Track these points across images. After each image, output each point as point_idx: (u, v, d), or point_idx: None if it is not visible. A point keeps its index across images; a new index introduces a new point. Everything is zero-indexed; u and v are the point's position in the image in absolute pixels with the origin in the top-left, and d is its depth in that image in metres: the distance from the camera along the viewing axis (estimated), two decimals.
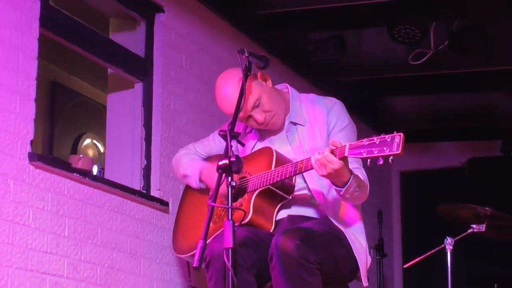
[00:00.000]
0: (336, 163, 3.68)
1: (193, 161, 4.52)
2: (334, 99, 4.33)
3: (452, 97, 7.98)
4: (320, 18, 6.15)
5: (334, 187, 3.87)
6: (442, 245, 5.31)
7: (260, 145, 4.30)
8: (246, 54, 3.93)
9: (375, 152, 3.55)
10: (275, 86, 4.34)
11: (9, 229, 4.13)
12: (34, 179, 4.31)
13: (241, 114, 4.02)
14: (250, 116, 4.15)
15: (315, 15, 6.08)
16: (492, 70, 7.09)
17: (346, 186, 3.83)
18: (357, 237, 4.19)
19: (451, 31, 6.22)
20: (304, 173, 4.03)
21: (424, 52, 6.38)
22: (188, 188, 4.65)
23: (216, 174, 3.91)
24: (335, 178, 3.77)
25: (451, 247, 5.29)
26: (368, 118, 8.14)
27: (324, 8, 5.96)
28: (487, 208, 5.48)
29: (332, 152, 3.69)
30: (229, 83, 4.14)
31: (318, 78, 7.26)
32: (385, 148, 3.53)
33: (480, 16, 6.13)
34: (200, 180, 4.45)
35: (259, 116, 4.13)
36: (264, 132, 4.32)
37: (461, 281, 5.66)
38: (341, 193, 3.87)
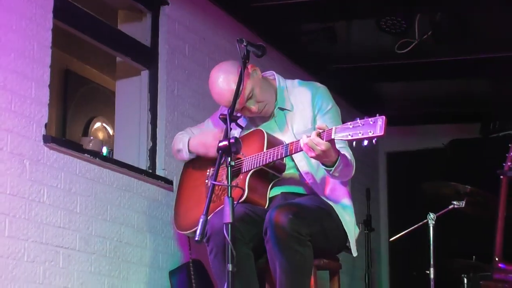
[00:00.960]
0: (323, 145, 3.67)
1: (183, 137, 4.50)
2: (318, 84, 4.32)
3: (435, 83, 7.97)
4: (313, 10, 6.13)
5: (324, 167, 3.86)
6: (425, 220, 5.31)
7: (247, 130, 4.29)
8: (245, 44, 3.90)
9: (360, 135, 3.52)
10: (262, 74, 4.32)
11: (26, 206, 4.15)
12: (48, 159, 4.33)
13: (236, 106, 3.97)
14: (244, 107, 4.14)
15: (308, 7, 6.07)
16: (472, 58, 7.09)
17: (335, 165, 3.82)
18: (346, 212, 4.20)
19: (434, 22, 6.21)
20: (293, 155, 4.03)
21: (409, 42, 6.37)
22: (185, 169, 4.63)
23: (205, 139, 4.11)
24: (323, 159, 3.76)
25: (434, 222, 5.30)
26: (358, 103, 8.15)
27: (316, 1, 5.95)
28: (466, 186, 5.49)
29: (319, 135, 3.67)
30: (222, 79, 4.11)
31: (311, 66, 7.26)
32: (369, 131, 3.50)
33: (461, 9, 6.13)
34: (189, 151, 4.43)
35: (253, 106, 4.12)
36: (254, 117, 4.32)
37: (442, 253, 5.66)
38: (330, 172, 3.87)
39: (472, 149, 8.28)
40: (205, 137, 4.38)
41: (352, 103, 8.04)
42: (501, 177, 5.06)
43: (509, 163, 5.05)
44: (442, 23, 6.20)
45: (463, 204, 5.40)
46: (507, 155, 5.09)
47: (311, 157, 3.76)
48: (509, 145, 5.11)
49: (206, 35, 5.84)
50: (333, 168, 3.84)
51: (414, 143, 8.80)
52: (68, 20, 4.64)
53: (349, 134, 3.57)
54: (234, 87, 3.95)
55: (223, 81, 4.09)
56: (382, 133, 3.48)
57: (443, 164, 8.38)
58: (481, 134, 8.48)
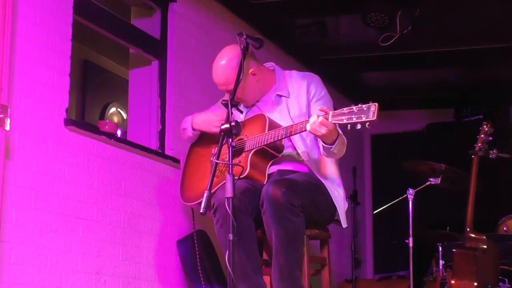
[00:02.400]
0: (330, 125, 3.68)
1: (188, 117, 4.52)
2: (312, 74, 4.34)
3: (414, 72, 7.96)
4: (305, 7, 6.13)
5: (325, 145, 3.87)
6: (405, 195, 5.33)
7: (251, 114, 4.30)
8: (244, 37, 3.92)
9: (354, 119, 3.55)
10: (264, 64, 4.33)
11: (49, 182, 4.16)
12: (69, 140, 4.33)
13: (221, 88, 4.14)
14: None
15: (301, 4, 6.07)
16: (447, 50, 7.07)
17: (336, 143, 3.84)
18: (336, 188, 4.21)
19: (414, 18, 6.21)
20: (292, 136, 4.05)
21: (391, 35, 6.36)
22: (191, 147, 4.64)
23: (206, 118, 4.17)
24: (327, 137, 3.77)
25: (412, 197, 5.32)
26: (345, 90, 8.14)
27: None
28: (442, 165, 5.49)
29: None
30: (224, 59, 4.18)
31: (304, 57, 7.24)
32: (363, 116, 3.52)
33: (437, 6, 6.13)
34: (193, 129, 4.44)
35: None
36: (255, 103, 4.33)
37: (420, 224, 5.68)
38: (331, 149, 3.88)
39: (446, 132, 8.29)
40: (207, 115, 4.40)
41: (341, 90, 8.03)
42: (472, 156, 5.08)
43: (479, 144, 5.07)
44: (421, 19, 6.21)
45: (439, 181, 5.40)
46: (477, 137, 5.11)
47: (318, 135, 3.76)
48: (479, 128, 5.13)
49: (210, 29, 5.83)
50: (334, 146, 3.86)
51: (395, 126, 8.79)
52: (86, 15, 4.64)
53: (344, 118, 3.59)
54: (227, 66, 4.09)
55: (224, 60, 4.19)
56: (374, 118, 3.51)
57: (421, 145, 8.39)
58: (454, 118, 8.48)
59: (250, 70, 4.18)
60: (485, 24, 6.56)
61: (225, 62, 4.15)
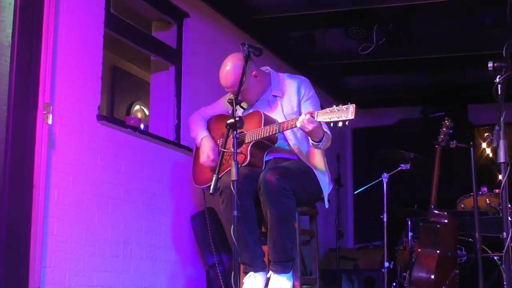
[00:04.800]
0: (316, 122, 3.68)
1: (199, 129, 4.44)
2: (302, 77, 4.31)
3: (388, 76, 7.95)
4: (297, 22, 6.13)
5: (314, 143, 3.86)
6: (380, 178, 5.34)
7: (250, 111, 4.27)
8: (246, 46, 3.88)
9: (336, 118, 3.54)
10: (261, 68, 4.30)
11: (84, 167, 4.18)
12: (100, 133, 4.34)
13: (231, 90, 4.09)
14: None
15: (294, 20, 6.07)
16: (415, 58, 7.07)
17: (322, 141, 3.84)
18: (322, 173, 4.20)
19: (387, 31, 6.21)
20: (285, 131, 4.04)
21: (369, 46, 6.36)
22: None
23: (208, 145, 4.18)
24: (314, 132, 3.76)
25: (386, 180, 5.33)
26: (331, 91, 8.12)
27: (300, 14, 5.97)
28: (411, 153, 5.49)
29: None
30: (228, 65, 4.14)
31: (296, 63, 7.23)
32: (343, 115, 3.52)
33: (406, 22, 6.13)
34: (197, 146, 4.43)
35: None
36: (253, 102, 4.30)
37: (393, 203, 5.67)
38: (319, 146, 3.88)
39: (414, 126, 8.28)
40: (206, 149, 4.32)
41: (327, 91, 8.02)
42: (436, 146, 5.07)
43: (441, 136, 5.06)
44: (393, 32, 6.20)
45: (408, 166, 5.41)
46: (440, 130, 5.11)
47: (306, 131, 3.75)
48: (442, 123, 5.13)
49: (218, 40, 5.83)
50: (320, 143, 3.86)
51: (372, 121, 8.78)
52: (115, 29, 4.64)
53: (328, 117, 3.58)
54: (232, 72, 4.04)
55: (229, 66, 4.14)
56: (353, 117, 3.51)
57: (394, 137, 8.39)
58: (421, 115, 8.49)
59: (253, 73, 4.17)
60: (447, 37, 6.58)
61: (229, 68, 4.12)
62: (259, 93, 4.25)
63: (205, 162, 4.28)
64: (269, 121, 4.06)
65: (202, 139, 4.37)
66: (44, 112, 3.76)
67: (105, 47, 4.45)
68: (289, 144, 4.18)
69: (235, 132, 3.59)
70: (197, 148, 4.57)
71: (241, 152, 3.98)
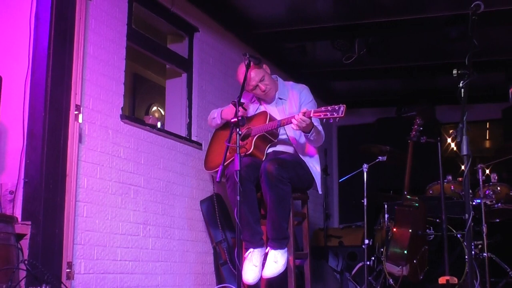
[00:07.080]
0: (307, 120, 3.75)
1: (214, 110, 4.55)
2: (304, 85, 4.37)
3: (368, 82, 7.94)
4: (292, 35, 6.12)
5: (304, 133, 3.91)
6: (361, 169, 5.34)
7: (260, 109, 4.33)
8: (248, 56, 3.93)
9: (328, 115, 3.61)
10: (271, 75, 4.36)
11: (110, 159, 4.16)
12: (123, 129, 4.33)
13: (252, 83, 4.11)
14: (257, 86, 4.16)
15: (288, 34, 6.06)
16: (391, 66, 7.06)
17: (311, 131, 3.88)
18: (314, 165, 4.24)
19: (368, 43, 6.20)
20: (285, 126, 4.09)
21: (351, 56, 6.35)
22: (215, 132, 4.64)
23: (230, 111, 4.15)
24: (305, 128, 3.82)
25: (366, 170, 5.31)
26: (320, 94, 8.06)
27: (293, 29, 5.96)
28: (387, 147, 5.49)
29: (304, 114, 3.75)
30: (241, 70, 4.17)
31: (290, 71, 7.21)
32: (334, 113, 3.59)
33: (384, 35, 6.12)
34: (221, 118, 4.43)
35: (262, 86, 4.16)
36: (263, 102, 4.34)
37: (372, 190, 5.68)
38: (308, 136, 3.91)
39: (390, 124, 8.26)
40: (230, 109, 4.36)
41: (316, 94, 7.87)
42: (409, 141, 5.08)
43: (413, 133, 5.06)
44: (372, 44, 6.19)
45: (385, 158, 5.40)
46: (412, 127, 5.10)
47: (299, 127, 3.79)
48: (414, 121, 5.12)
49: (223, 51, 5.81)
50: (309, 134, 3.89)
51: (355, 120, 8.76)
52: (136, 41, 4.62)
53: (322, 114, 3.65)
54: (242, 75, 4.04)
55: (241, 71, 4.16)
56: (342, 115, 3.58)
57: (373, 133, 8.38)
58: (396, 114, 8.46)
59: (273, 76, 4.28)
60: (418, 48, 6.56)
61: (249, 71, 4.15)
62: (274, 94, 4.29)
63: (229, 113, 4.27)
64: (272, 120, 4.13)
65: (222, 110, 4.41)
66: (75, 112, 3.77)
67: (127, 57, 4.44)
68: (288, 138, 4.22)
69: (238, 129, 3.59)
70: (212, 138, 4.61)
71: (243, 146, 4.02)
